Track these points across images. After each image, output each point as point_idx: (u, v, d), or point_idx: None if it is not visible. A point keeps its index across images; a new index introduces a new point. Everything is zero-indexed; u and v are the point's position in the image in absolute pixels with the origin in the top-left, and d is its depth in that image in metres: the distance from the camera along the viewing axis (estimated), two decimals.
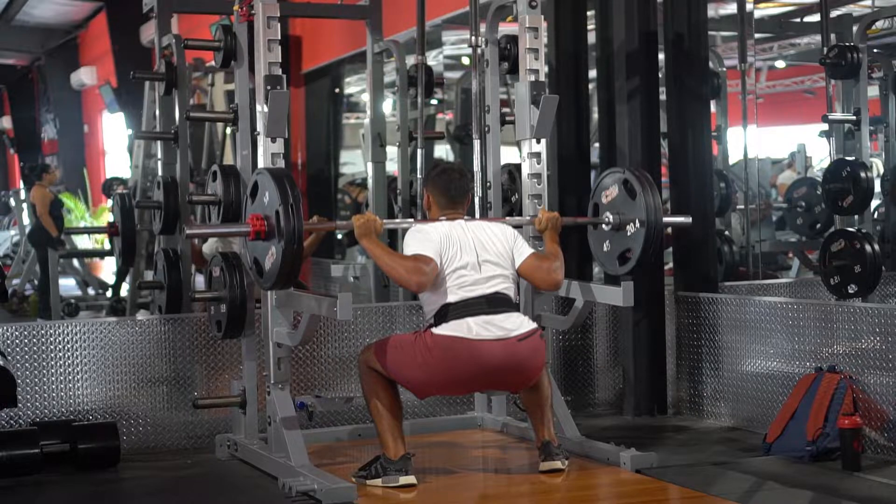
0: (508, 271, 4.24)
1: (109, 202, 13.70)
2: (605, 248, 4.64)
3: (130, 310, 7.62)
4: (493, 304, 4.13)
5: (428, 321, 4.20)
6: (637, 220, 4.45)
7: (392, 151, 6.84)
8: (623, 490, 4.18)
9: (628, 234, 4.50)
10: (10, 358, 4.68)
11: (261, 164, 4.41)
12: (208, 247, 5.91)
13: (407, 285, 4.17)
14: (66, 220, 12.48)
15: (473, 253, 4.18)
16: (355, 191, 11.78)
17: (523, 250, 4.32)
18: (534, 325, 4.20)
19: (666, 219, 4.56)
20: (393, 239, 6.39)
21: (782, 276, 8.30)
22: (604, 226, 4.61)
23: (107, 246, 13.32)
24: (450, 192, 4.35)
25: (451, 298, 4.11)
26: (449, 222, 4.27)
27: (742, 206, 7.41)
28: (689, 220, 4.87)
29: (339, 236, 11.00)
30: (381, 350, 4.19)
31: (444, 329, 4.08)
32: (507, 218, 4.78)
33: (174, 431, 4.94)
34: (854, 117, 6.03)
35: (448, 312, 4.10)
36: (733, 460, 4.50)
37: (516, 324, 4.13)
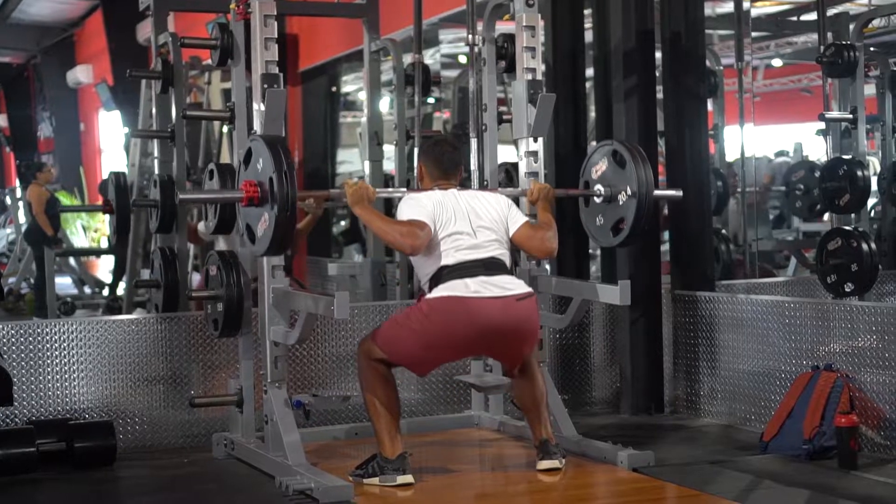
0: (503, 238, 4.25)
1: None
2: (598, 223, 4.65)
3: (127, 308, 7.61)
4: (490, 267, 4.13)
5: (423, 285, 4.20)
6: (628, 188, 4.45)
7: (389, 150, 6.85)
8: (620, 489, 4.18)
9: (620, 203, 4.50)
10: (6, 356, 4.67)
11: None
12: (203, 224, 5.89)
13: (401, 248, 4.17)
14: (62, 218, 12.46)
15: (467, 220, 4.18)
16: None
17: (517, 218, 4.32)
18: (530, 289, 4.21)
19: (657, 192, 4.56)
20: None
21: (779, 274, 8.30)
22: (595, 198, 4.61)
23: (103, 244, 13.32)
24: (442, 164, 4.35)
25: (448, 261, 4.11)
26: (442, 191, 4.27)
27: (740, 191, 7.43)
28: (681, 193, 4.87)
29: (336, 232, 11.00)
30: (376, 334, 4.19)
31: (440, 290, 4.08)
32: (500, 189, 4.77)
33: (171, 430, 4.93)
34: (851, 116, 6.02)
35: (444, 275, 4.10)
36: (730, 459, 4.50)
37: (514, 284, 4.14)
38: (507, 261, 4.25)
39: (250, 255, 4.56)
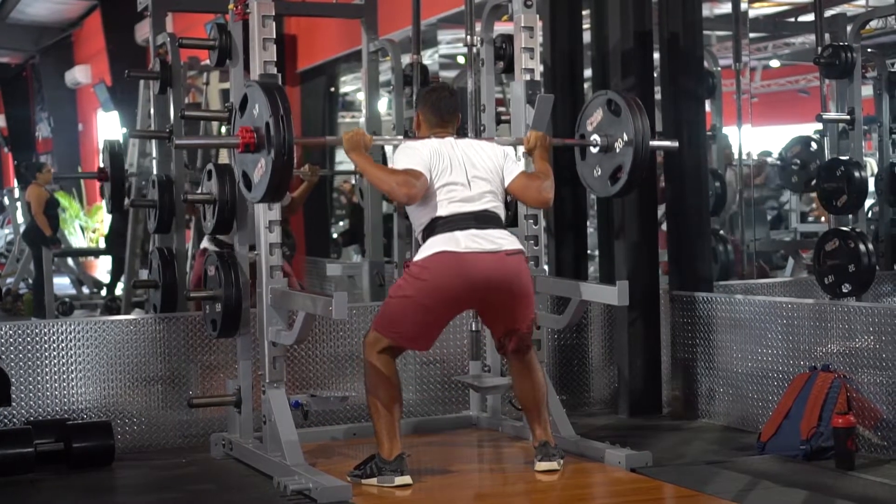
0: (498, 189, 4.24)
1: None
2: (596, 174, 4.64)
3: (125, 308, 7.62)
4: (482, 220, 4.14)
5: (417, 235, 4.21)
6: (624, 135, 4.44)
7: (387, 151, 6.84)
8: (618, 489, 4.18)
9: (617, 151, 4.50)
10: (4, 357, 4.67)
11: None
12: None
13: (396, 197, 4.17)
14: (61, 219, 12.46)
15: (462, 170, 4.17)
16: (349, 188, 11.76)
17: (513, 168, 4.30)
18: (520, 247, 4.22)
19: (653, 142, 4.55)
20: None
21: (777, 274, 8.32)
22: (592, 149, 4.60)
23: (101, 245, 13.31)
24: (440, 110, 4.32)
25: (441, 212, 4.12)
26: (438, 139, 4.25)
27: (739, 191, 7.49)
28: (676, 144, 4.87)
29: (336, 235, 10.99)
30: (375, 322, 4.19)
31: (429, 247, 4.09)
32: (496, 137, 4.75)
33: (169, 430, 4.93)
34: (848, 117, 6.03)
35: (437, 226, 4.11)
36: (728, 459, 4.50)
37: (505, 240, 4.16)
38: (502, 213, 4.25)
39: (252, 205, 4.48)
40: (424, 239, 4.15)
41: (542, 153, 4.43)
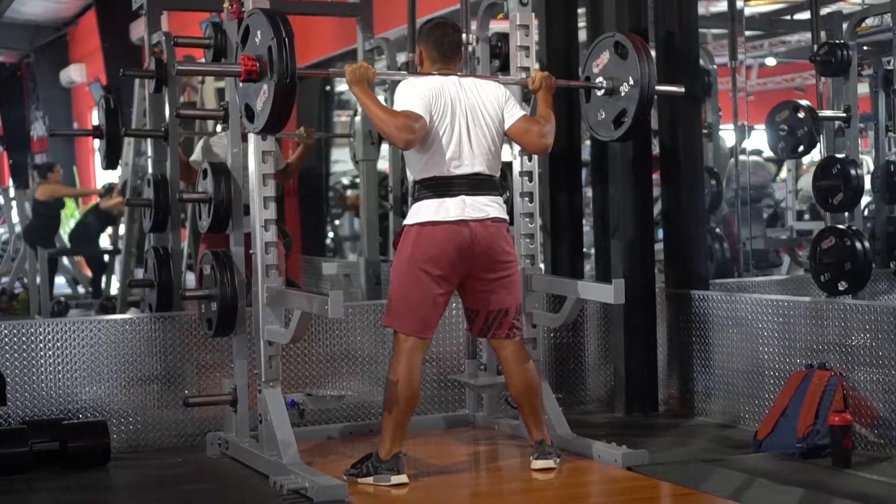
0: (497, 136, 4.21)
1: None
2: (600, 117, 4.61)
3: (120, 308, 7.60)
4: (474, 186, 4.13)
5: (409, 182, 4.22)
6: (630, 79, 4.41)
7: (383, 149, 6.85)
8: (614, 487, 4.18)
9: (622, 94, 4.47)
10: None
11: (251, 163, 4.40)
12: (195, 156, 5.80)
13: (395, 142, 4.13)
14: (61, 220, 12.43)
15: (464, 116, 4.13)
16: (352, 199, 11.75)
17: (514, 112, 4.26)
18: (505, 215, 4.23)
19: (659, 87, 4.53)
20: None
21: (773, 272, 8.32)
22: (597, 91, 4.58)
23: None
24: (443, 46, 4.25)
25: (435, 172, 4.11)
26: (442, 77, 4.19)
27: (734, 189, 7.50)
28: (683, 89, 4.85)
29: (331, 236, 10.98)
30: (391, 324, 4.17)
31: (421, 211, 4.10)
32: (500, 76, 4.72)
33: (165, 430, 4.92)
34: (844, 114, 6.04)
35: (430, 187, 4.11)
36: (724, 457, 4.50)
37: (492, 206, 4.17)
38: (496, 168, 4.23)
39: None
40: (416, 195, 4.15)
41: (545, 95, 4.39)
